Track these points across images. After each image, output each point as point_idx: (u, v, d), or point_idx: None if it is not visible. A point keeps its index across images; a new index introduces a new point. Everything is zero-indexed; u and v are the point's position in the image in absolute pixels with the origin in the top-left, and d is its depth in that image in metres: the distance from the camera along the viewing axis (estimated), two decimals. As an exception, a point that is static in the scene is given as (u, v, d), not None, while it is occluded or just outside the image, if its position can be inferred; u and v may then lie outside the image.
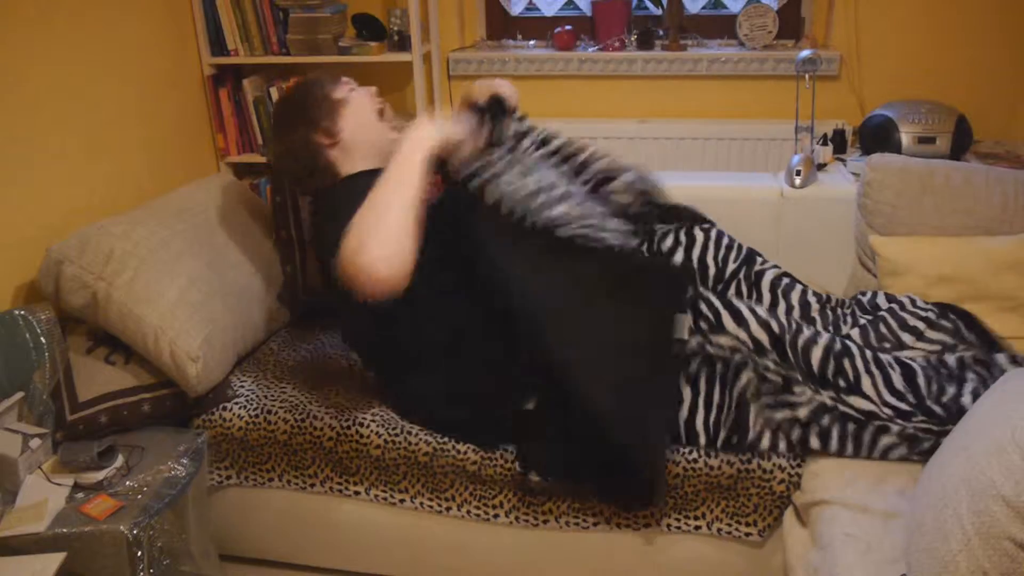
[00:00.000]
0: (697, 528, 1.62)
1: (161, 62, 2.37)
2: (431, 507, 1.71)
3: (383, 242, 1.39)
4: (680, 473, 1.58)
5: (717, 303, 1.57)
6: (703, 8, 2.77)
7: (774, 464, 1.56)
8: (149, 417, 1.74)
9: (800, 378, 1.53)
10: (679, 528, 1.63)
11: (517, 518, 1.67)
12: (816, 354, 1.53)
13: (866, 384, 1.51)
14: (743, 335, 1.54)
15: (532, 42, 2.88)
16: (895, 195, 1.92)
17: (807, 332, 1.56)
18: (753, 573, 1.65)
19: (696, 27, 2.79)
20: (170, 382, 1.75)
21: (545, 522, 1.66)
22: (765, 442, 1.56)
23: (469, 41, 2.89)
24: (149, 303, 1.71)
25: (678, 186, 2.16)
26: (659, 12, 2.76)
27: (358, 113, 1.74)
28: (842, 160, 2.39)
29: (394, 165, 1.51)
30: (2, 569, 1.32)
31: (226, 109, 2.62)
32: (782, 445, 1.57)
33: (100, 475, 1.53)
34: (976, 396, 1.50)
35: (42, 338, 1.67)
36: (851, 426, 1.51)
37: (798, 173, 2.15)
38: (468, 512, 1.69)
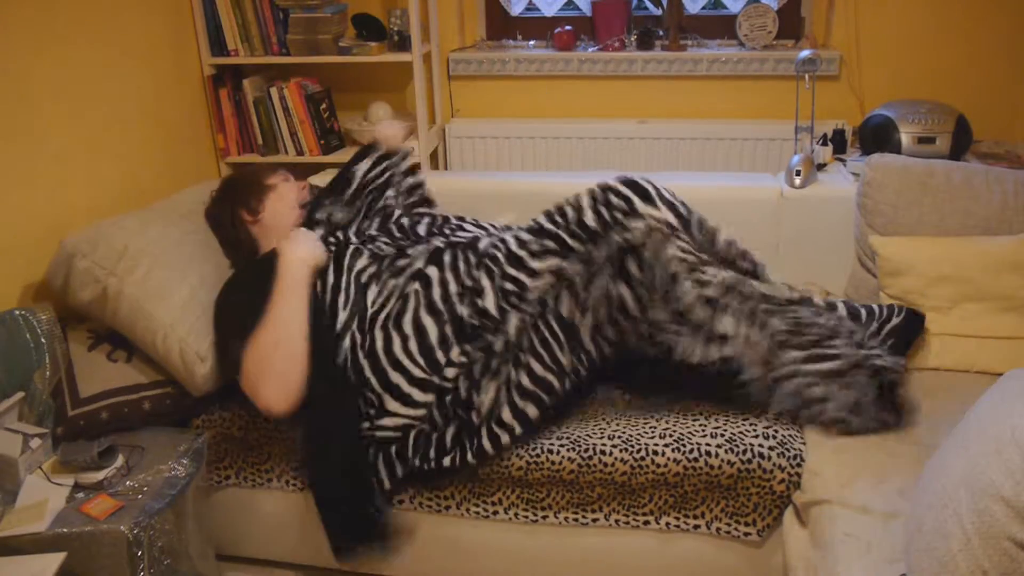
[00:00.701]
0: (696, 527, 1.62)
1: (161, 62, 2.37)
2: (430, 507, 1.71)
3: (280, 386, 1.56)
4: (680, 472, 1.58)
5: (625, 190, 1.57)
6: (703, 8, 2.77)
7: (774, 464, 1.56)
8: (150, 415, 1.74)
9: (708, 259, 1.57)
10: (678, 527, 1.63)
11: (516, 515, 1.67)
12: (721, 237, 1.62)
13: (765, 272, 1.64)
14: (655, 214, 1.55)
15: (532, 42, 2.88)
16: (895, 195, 1.93)
17: (710, 220, 1.64)
18: (753, 573, 1.65)
19: (696, 27, 2.79)
20: (171, 381, 1.76)
21: (544, 518, 1.66)
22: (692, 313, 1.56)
23: (469, 41, 2.89)
24: (161, 301, 1.71)
25: (678, 186, 2.16)
26: (659, 12, 2.77)
27: (282, 199, 1.93)
28: (842, 160, 2.39)
29: (282, 294, 1.65)
30: (2, 569, 1.32)
31: (226, 109, 2.62)
32: (688, 335, 1.57)
33: (100, 475, 1.53)
34: None
35: (42, 338, 1.68)
36: (749, 304, 1.56)
37: (798, 173, 2.15)
38: (467, 510, 1.69)
